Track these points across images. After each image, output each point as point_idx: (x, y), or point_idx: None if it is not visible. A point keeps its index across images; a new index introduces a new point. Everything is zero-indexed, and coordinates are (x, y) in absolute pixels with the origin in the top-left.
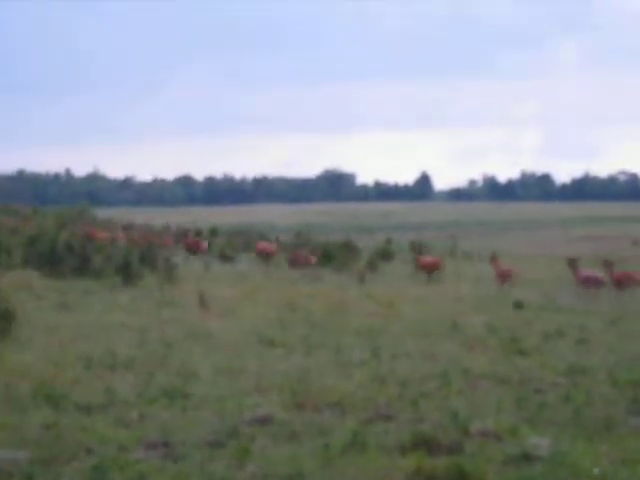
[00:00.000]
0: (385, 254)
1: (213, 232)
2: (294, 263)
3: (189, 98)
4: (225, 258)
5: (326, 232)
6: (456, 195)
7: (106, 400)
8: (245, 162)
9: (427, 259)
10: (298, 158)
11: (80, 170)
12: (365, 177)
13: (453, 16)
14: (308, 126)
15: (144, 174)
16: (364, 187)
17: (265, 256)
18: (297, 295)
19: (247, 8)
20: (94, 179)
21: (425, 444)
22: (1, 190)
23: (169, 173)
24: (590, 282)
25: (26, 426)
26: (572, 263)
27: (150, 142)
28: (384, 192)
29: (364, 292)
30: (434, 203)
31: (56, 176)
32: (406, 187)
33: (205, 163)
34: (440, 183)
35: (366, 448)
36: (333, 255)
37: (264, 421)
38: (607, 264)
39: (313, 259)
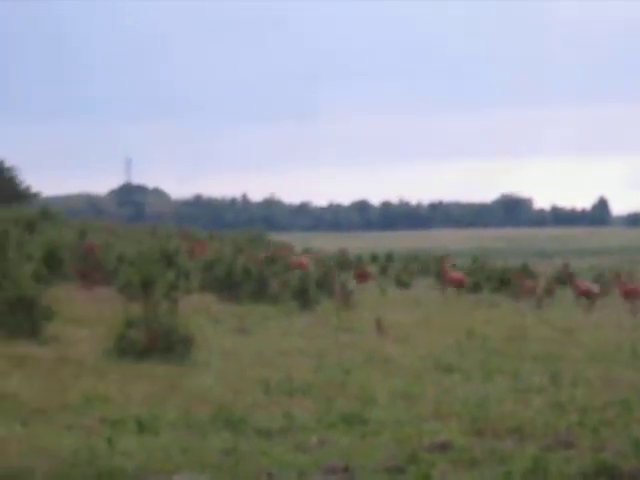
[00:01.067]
0: (563, 280)
1: (389, 257)
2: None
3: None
4: (401, 283)
5: (503, 257)
6: (634, 220)
7: (285, 425)
8: (421, 187)
9: (583, 285)
10: (474, 183)
11: (256, 195)
12: (542, 202)
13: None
14: (484, 150)
15: (320, 199)
16: (541, 212)
17: (455, 285)
18: (474, 321)
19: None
20: (270, 204)
21: (607, 472)
22: (179, 215)
23: (345, 198)
24: None
25: (206, 450)
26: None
27: (325, 167)
28: (561, 217)
29: (542, 318)
30: (612, 228)
31: (233, 201)
32: (583, 212)
33: (381, 188)
34: (618, 208)
35: (547, 476)
36: (510, 280)
37: (443, 447)
38: None
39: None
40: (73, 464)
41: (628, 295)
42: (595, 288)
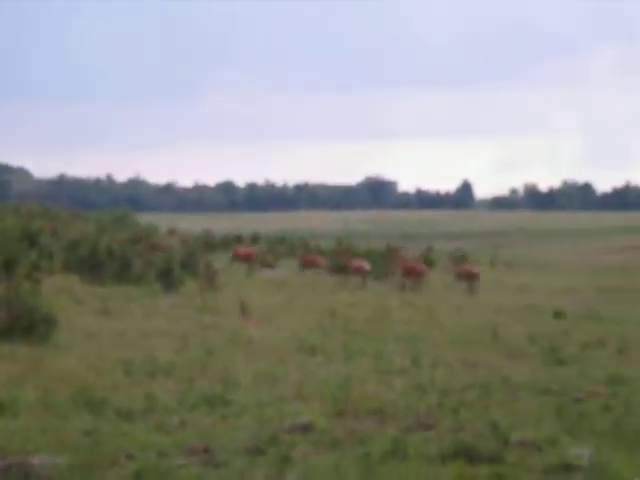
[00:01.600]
0: (426, 262)
1: (254, 239)
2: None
3: (228, 104)
4: (266, 265)
5: (368, 239)
6: (497, 204)
7: (146, 406)
8: (287, 168)
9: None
10: (339, 165)
11: (121, 176)
12: (407, 185)
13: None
14: (350, 132)
15: (185, 180)
16: (406, 195)
17: (244, 260)
18: (338, 303)
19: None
20: (135, 184)
21: (466, 453)
22: (42, 194)
23: (210, 179)
24: None
25: (66, 431)
26: None
27: (191, 148)
28: (425, 200)
29: (405, 300)
30: (476, 212)
31: (97, 181)
32: (447, 195)
33: (247, 169)
34: (482, 191)
35: (407, 456)
36: (375, 263)
37: (305, 429)
38: None
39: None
40: None
41: (407, 273)
42: (420, 266)
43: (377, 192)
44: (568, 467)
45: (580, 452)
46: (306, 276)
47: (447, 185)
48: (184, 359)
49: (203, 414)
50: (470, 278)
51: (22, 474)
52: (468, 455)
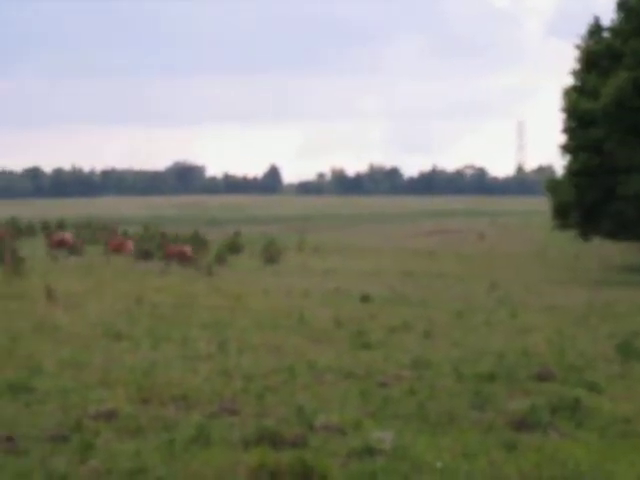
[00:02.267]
0: (234, 247)
1: (60, 224)
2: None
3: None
4: (72, 251)
5: (176, 225)
6: (305, 189)
7: None
8: (92, 154)
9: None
10: (146, 150)
11: None
12: (214, 170)
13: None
14: (155, 118)
15: None
16: (213, 180)
17: (61, 247)
18: (144, 288)
19: None
20: None
21: (269, 439)
22: None
23: (17, 165)
24: None
25: None
26: None
27: None
28: (233, 185)
29: (212, 285)
30: (283, 196)
31: None
32: (255, 180)
33: (53, 155)
34: (289, 177)
35: (210, 443)
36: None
37: (109, 415)
38: None
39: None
40: None
41: (115, 249)
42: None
43: (185, 177)
44: (371, 451)
45: (383, 436)
46: (113, 262)
47: (255, 170)
48: None
49: (6, 402)
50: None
51: None
52: (272, 440)
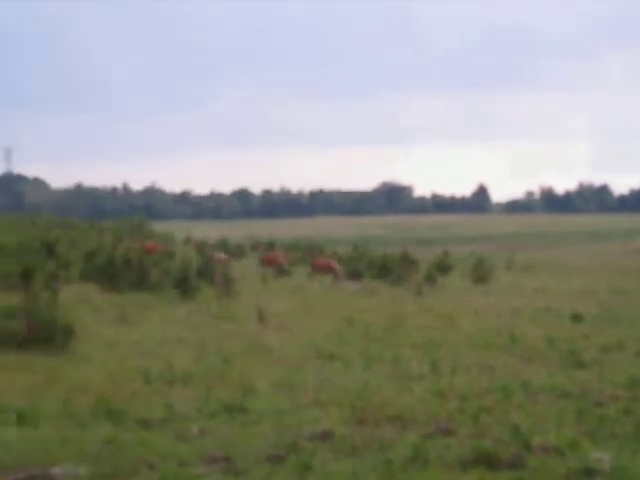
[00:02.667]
0: (443, 267)
1: (270, 245)
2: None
3: (243, 111)
4: (282, 271)
5: (384, 245)
6: (513, 207)
7: (165, 415)
8: (301, 175)
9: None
10: (355, 171)
11: (137, 184)
12: (422, 189)
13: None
14: (365, 138)
15: (201, 188)
16: (421, 199)
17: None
18: (353, 309)
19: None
20: (151, 193)
21: (486, 459)
22: (58, 205)
23: (226, 186)
24: None
25: (86, 441)
26: None
27: (206, 156)
28: (441, 204)
29: (422, 305)
30: (491, 215)
31: (113, 190)
32: (463, 199)
33: (262, 176)
34: (497, 195)
35: (427, 463)
36: (390, 268)
37: (324, 436)
38: None
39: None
40: None
41: (321, 269)
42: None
43: (393, 197)
44: (589, 471)
45: (601, 456)
46: (320, 281)
47: (463, 189)
48: (202, 367)
49: (222, 422)
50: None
51: None
52: (489, 461)
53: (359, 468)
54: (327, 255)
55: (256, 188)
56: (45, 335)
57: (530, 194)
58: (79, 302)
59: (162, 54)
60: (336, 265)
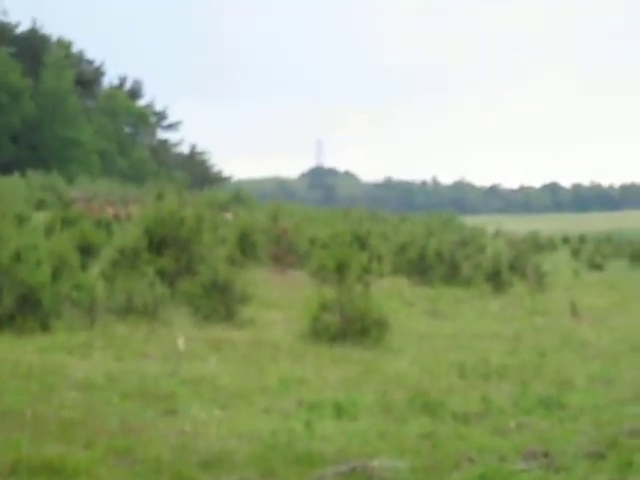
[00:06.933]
0: None
1: (581, 239)
2: None
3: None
4: (594, 265)
5: None
6: None
7: (482, 409)
8: (612, 168)
9: None
10: None
11: (447, 178)
12: None
13: None
14: None
15: (510, 182)
16: None
17: None
18: None
19: None
20: (460, 187)
21: None
22: (369, 198)
23: (535, 180)
24: None
25: (404, 434)
26: None
27: (516, 149)
28: None
29: None
30: None
31: (423, 184)
32: None
33: (572, 169)
34: None
35: None
36: None
37: None
38: None
39: None
40: (272, 447)
41: None
42: None
43: None
44: None
45: None
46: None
47: None
48: (517, 361)
49: (539, 417)
50: None
51: (365, 477)
52: None
53: None
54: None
55: (566, 182)
56: (359, 328)
57: None
58: (391, 295)
59: None
60: None
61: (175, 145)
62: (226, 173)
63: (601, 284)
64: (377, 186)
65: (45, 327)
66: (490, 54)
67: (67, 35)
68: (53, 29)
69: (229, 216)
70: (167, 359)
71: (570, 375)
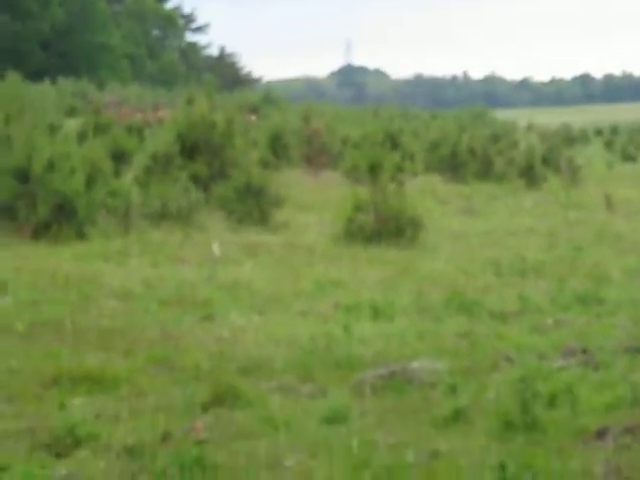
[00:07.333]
0: None
1: (614, 130)
2: None
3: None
4: (627, 157)
5: None
6: None
7: (519, 307)
8: None
9: None
10: None
11: (477, 73)
12: None
13: None
14: None
15: (541, 74)
16: None
17: None
18: None
19: None
20: (491, 81)
21: None
22: (399, 95)
23: (566, 72)
24: None
25: (442, 334)
26: None
27: (546, 42)
28: None
29: None
30: None
31: (453, 79)
32: None
33: (603, 60)
34: None
35: None
36: None
37: None
38: None
39: None
40: (311, 351)
41: None
42: None
43: None
44: None
45: None
46: None
47: None
48: (553, 257)
49: (576, 313)
50: None
51: (405, 380)
52: None
53: None
54: None
55: (597, 73)
56: (394, 228)
57: None
58: (424, 194)
59: None
60: None
61: (204, 48)
62: (256, 74)
63: (635, 176)
64: (407, 83)
65: (81, 235)
66: None
67: None
68: None
69: (253, 118)
70: (203, 264)
71: (606, 269)
